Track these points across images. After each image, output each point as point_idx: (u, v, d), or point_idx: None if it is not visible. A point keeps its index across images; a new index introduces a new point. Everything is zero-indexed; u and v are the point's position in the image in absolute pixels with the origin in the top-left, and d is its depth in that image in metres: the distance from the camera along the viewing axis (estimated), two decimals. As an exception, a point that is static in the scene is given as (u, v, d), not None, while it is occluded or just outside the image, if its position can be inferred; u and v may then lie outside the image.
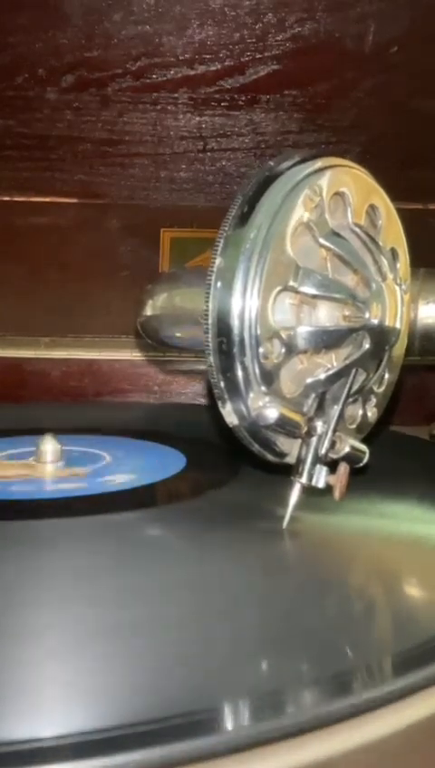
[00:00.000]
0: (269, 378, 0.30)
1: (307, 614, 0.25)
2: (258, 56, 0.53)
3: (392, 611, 0.27)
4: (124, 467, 0.44)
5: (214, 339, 0.30)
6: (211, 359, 0.30)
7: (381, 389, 0.36)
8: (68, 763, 0.17)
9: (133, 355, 0.69)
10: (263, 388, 0.30)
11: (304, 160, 0.31)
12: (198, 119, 0.59)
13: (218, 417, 0.32)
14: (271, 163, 0.31)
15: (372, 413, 0.36)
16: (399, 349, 0.36)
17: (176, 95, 0.57)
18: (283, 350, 0.31)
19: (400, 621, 0.25)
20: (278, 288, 0.30)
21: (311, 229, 0.31)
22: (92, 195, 0.69)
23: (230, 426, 0.31)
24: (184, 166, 0.65)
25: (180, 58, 0.53)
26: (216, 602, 0.26)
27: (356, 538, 0.33)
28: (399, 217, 0.36)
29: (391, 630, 0.25)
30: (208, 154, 0.63)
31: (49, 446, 0.45)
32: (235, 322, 0.30)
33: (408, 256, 0.36)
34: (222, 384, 0.31)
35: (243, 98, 0.57)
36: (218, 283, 0.30)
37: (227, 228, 0.30)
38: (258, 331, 0.30)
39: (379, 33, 0.51)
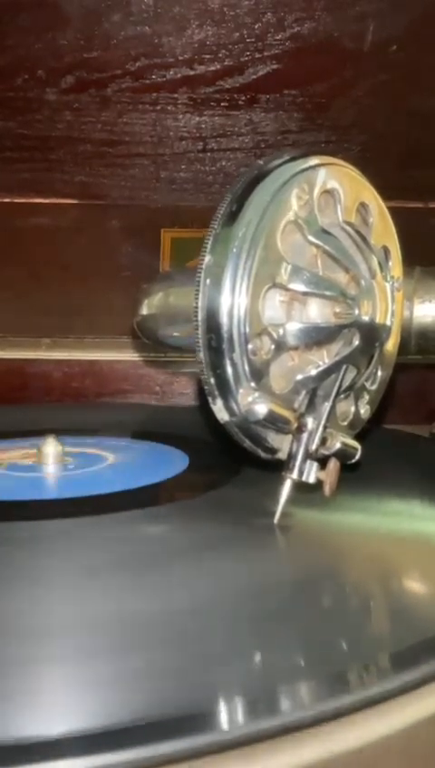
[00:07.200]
0: (259, 374, 0.30)
1: (301, 612, 0.25)
2: (258, 56, 0.53)
3: (389, 608, 0.27)
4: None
5: (203, 335, 0.30)
6: (201, 355, 0.31)
7: (374, 386, 0.36)
8: (66, 760, 0.17)
9: (134, 356, 0.70)
10: (252, 384, 0.30)
11: (293, 159, 0.31)
12: (197, 119, 0.59)
13: (214, 417, 0.32)
14: (260, 162, 0.32)
15: (364, 410, 0.36)
16: (391, 346, 0.36)
17: (175, 95, 0.57)
18: (272, 347, 0.31)
19: (396, 618, 0.25)
20: (268, 285, 0.30)
21: (300, 227, 0.31)
22: (93, 195, 0.69)
23: (221, 422, 0.32)
24: (184, 166, 0.65)
25: (180, 58, 0.53)
26: (211, 601, 0.26)
27: (353, 535, 0.33)
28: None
29: (387, 627, 0.25)
30: (208, 154, 0.63)
31: (51, 447, 0.45)
32: (224, 319, 0.30)
33: (401, 254, 0.36)
34: (212, 380, 0.31)
35: (242, 98, 0.57)
36: (208, 281, 0.30)
37: (216, 226, 0.31)
38: (247, 328, 0.30)
39: (378, 31, 0.51)
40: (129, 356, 0.70)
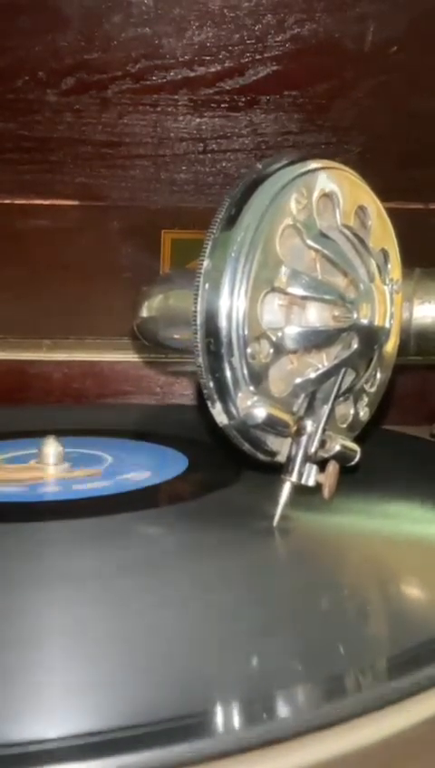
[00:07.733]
0: (257, 377, 0.31)
1: (300, 615, 0.25)
2: (258, 57, 0.53)
3: (389, 611, 0.27)
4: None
5: (202, 339, 0.30)
6: (200, 359, 0.31)
7: (373, 389, 0.36)
8: (61, 765, 0.17)
9: (135, 357, 0.70)
10: (251, 388, 0.30)
11: (292, 162, 0.31)
12: (198, 120, 0.59)
13: (212, 418, 0.32)
14: (259, 166, 0.32)
15: (363, 412, 0.36)
16: (390, 348, 0.36)
17: (176, 97, 0.57)
18: (271, 350, 0.31)
19: (396, 621, 0.25)
20: (266, 289, 0.30)
21: (299, 231, 0.31)
22: (93, 197, 0.69)
23: (220, 425, 0.32)
24: (184, 167, 0.65)
25: (180, 60, 0.53)
26: (210, 604, 0.26)
27: (352, 538, 0.34)
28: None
29: (387, 630, 0.25)
30: (209, 155, 0.63)
31: (51, 448, 0.45)
32: (222, 323, 0.30)
33: (399, 256, 0.36)
34: (211, 384, 0.31)
35: (243, 99, 0.57)
36: (206, 285, 0.30)
37: (214, 230, 0.31)
38: (246, 332, 0.30)
39: (378, 33, 0.51)
40: (129, 357, 0.70)
